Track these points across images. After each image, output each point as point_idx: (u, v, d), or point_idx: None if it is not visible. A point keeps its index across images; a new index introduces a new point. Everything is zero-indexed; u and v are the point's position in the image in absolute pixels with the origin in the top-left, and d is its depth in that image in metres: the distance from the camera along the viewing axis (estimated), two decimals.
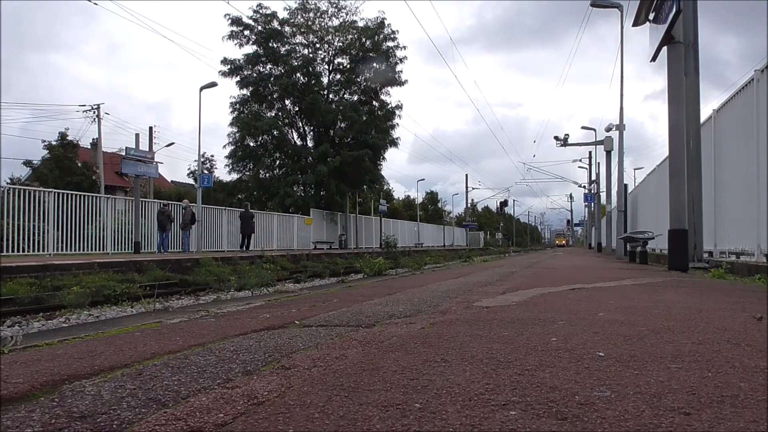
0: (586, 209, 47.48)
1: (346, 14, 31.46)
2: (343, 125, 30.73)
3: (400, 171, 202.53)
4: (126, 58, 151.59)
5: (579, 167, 44.18)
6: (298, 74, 30.35)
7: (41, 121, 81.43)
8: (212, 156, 41.81)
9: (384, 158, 32.67)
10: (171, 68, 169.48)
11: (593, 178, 37.77)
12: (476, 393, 1.53)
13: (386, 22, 31.34)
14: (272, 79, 29.89)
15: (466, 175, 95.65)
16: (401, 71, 31.87)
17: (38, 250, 14.27)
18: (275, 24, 30.08)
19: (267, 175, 30.90)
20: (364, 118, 30.55)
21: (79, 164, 32.87)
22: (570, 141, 30.62)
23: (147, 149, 25.38)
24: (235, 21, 28.87)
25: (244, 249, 20.59)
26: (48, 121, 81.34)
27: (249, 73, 29.77)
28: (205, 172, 26.77)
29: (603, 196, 31.92)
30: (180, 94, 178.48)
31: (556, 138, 30.17)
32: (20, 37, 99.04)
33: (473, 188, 76.38)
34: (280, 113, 31.16)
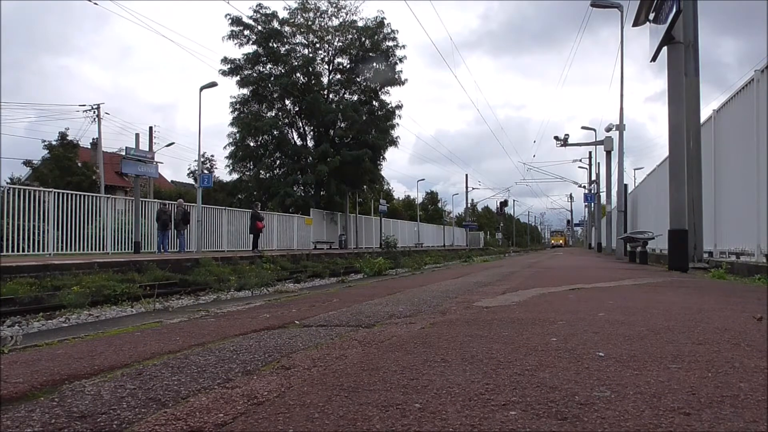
0: (586, 209, 47.46)
1: (346, 14, 31.53)
2: (343, 125, 30.74)
3: (400, 171, 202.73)
4: (133, 61, 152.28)
5: (579, 167, 44.22)
6: (298, 74, 30.36)
7: (47, 122, 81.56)
8: (212, 156, 42.01)
9: (384, 158, 32.74)
10: (176, 69, 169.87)
11: (593, 178, 37.76)
12: (476, 393, 1.53)
13: (386, 22, 31.41)
14: (272, 78, 29.88)
15: (466, 175, 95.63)
16: (401, 71, 31.94)
17: (38, 250, 14.27)
18: (275, 24, 30.09)
19: (267, 175, 30.89)
20: (364, 118, 30.55)
21: (79, 164, 32.88)
22: (570, 141, 30.55)
23: (147, 149, 25.39)
24: (236, 21, 28.89)
25: (253, 249, 20.29)
26: (53, 121, 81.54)
27: (249, 72, 29.77)
28: (205, 172, 26.77)
29: (603, 196, 31.89)
30: (185, 95, 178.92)
31: (557, 138, 30.12)
32: (32, 40, 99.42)
33: (473, 188, 76.45)
34: (280, 113, 31.16)
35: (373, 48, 31.25)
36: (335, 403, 1.46)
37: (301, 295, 5.72)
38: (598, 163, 34.70)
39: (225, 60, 29.18)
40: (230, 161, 29.98)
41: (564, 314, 3.23)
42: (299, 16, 30.84)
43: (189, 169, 43.35)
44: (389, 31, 31.45)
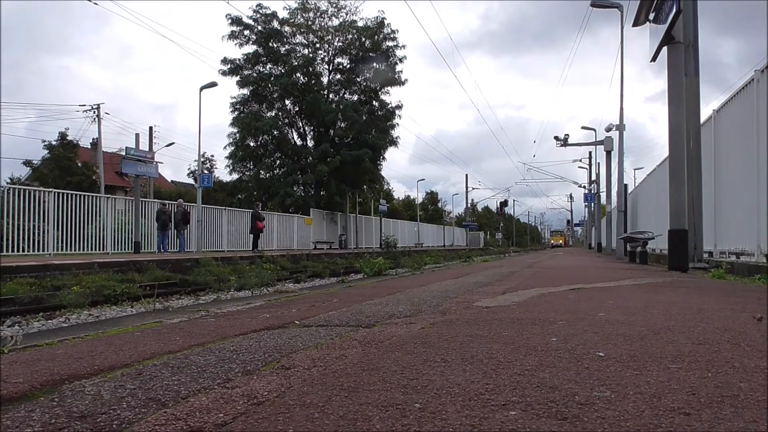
0: (586, 209, 47.45)
1: (346, 14, 31.53)
2: (343, 125, 30.75)
3: (400, 171, 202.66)
4: (133, 61, 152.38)
5: (579, 167, 44.18)
6: (298, 74, 30.37)
7: (47, 122, 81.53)
8: (212, 156, 42.06)
9: (384, 158, 32.75)
10: (176, 69, 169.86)
11: (593, 178, 37.76)
12: (476, 393, 1.53)
13: (386, 22, 31.42)
14: (272, 78, 29.90)
15: (466, 175, 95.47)
16: (401, 71, 31.95)
17: (38, 250, 14.27)
18: (275, 24, 30.10)
19: (267, 175, 30.90)
20: (364, 118, 30.58)
21: (79, 164, 32.90)
22: (570, 141, 30.52)
23: (147, 149, 25.40)
24: (235, 21, 28.90)
25: (253, 249, 20.23)
26: (53, 121, 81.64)
27: (249, 72, 29.79)
28: (205, 172, 26.77)
29: (603, 196, 31.89)
30: (185, 95, 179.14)
31: (557, 138, 30.09)
32: (32, 40, 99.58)
33: (473, 188, 76.47)
34: (280, 113, 31.17)
35: (373, 48, 31.26)
36: (335, 403, 1.46)
37: (301, 295, 5.73)
38: (598, 163, 34.75)
39: (225, 60, 29.23)
40: (230, 161, 30.03)
41: (564, 314, 3.23)
42: (299, 16, 30.86)
43: (189, 169, 43.45)
44: (389, 31, 31.49)
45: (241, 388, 1.63)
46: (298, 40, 31.04)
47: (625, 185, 22.29)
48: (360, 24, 31.57)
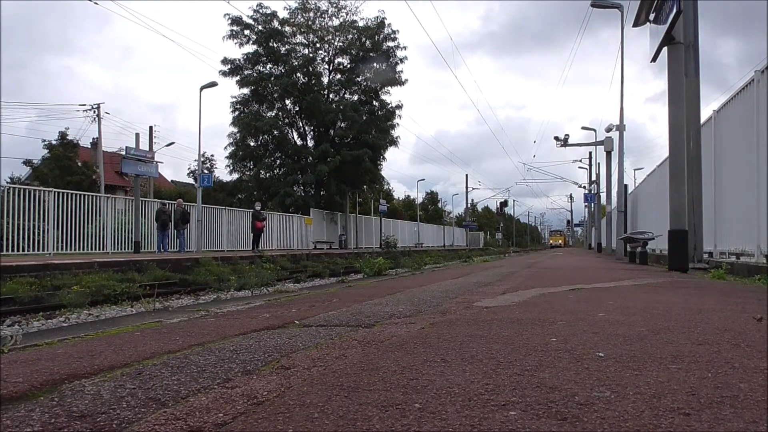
0: (586, 209, 47.45)
1: (347, 14, 31.53)
2: (343, 125, 30.75)
3: (400, 171, 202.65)
4: (134, 61, 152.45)
5: (579, 168, 44.18)
6: (299, 74, 30.37)
7: (47, 121, 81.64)
8: (212, 156, 42.07)
9: (384, 158, 32.77)
10: (176, 69, 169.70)
11: (593, 178, 37.76)
12: (476, 393, 1.53)
13: (386, 22, 31.42)
14: (272, 78, 29.90)
15: (467, 176, 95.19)
16: (401, 71, 31.94)
17: (38, 250, 14.27)
18: (275, 24, 30.10)
19: (267, 175, 30.92)
20: (364, 118, 30.58)
21: (79, 164, 32.92)
22: (570, 141, 30.49)
23: (147, 149, 25.41)
24: (236, 21, 28.91)
25: (253, 249, 20.18)
26: (53, 121, 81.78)
27: (249, 72, 29.79)
28: (205, 171, 26.77)
29: (603, 196, 31.87)
30: (185, 95, 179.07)
31: (557, 138, 30.07)
32: (33, 40, 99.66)
33: (473, 188, 76.44)
34: (280, 113, 31.18)
35: (373, 48, 31.26)
36: (335, 403, 1.46)
37: (301, 295, 5.73)
38: (598, 164, 34.75)
39: (225, 60, 29.22)
40: (230, 161, 30.05)
41: (564, 314, 3.23)
42: (299, 16, 30.85)
43: (189, 168, 43.47)
44: (390, 31, 31.50)
45: (241, 388, 1.63)
46: (298, 40, 31.06)
47: (625, 185, 22.29)
48: (360, 24, 31.62)
